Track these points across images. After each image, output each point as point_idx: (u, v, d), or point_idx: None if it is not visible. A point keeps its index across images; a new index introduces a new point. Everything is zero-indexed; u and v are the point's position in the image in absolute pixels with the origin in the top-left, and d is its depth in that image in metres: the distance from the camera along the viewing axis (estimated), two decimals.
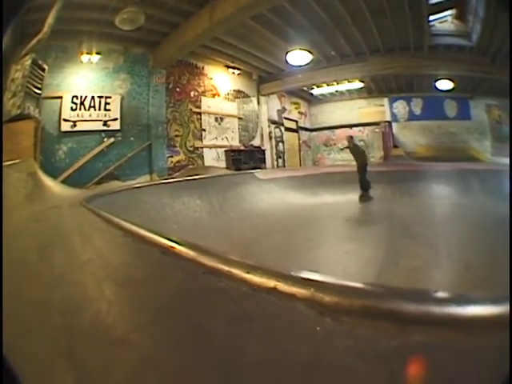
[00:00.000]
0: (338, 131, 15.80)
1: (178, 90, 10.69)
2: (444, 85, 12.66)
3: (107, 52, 8.97)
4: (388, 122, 14.66)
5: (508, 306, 0.82)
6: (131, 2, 7.51)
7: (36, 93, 6.92)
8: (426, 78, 12.66)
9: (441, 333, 0.80)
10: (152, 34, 9.19)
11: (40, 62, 6.96)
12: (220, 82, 12.06)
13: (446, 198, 7.64)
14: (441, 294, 0.96)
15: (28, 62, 6.49)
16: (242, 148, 12.43)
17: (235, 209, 6.13)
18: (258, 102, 13.57)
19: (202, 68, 11.54)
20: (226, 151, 11.63)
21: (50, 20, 6.64)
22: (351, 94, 15.18)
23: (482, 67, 10.78)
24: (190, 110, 10.98)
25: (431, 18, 9.86)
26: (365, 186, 8.35)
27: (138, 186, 6.05)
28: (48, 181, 5.15)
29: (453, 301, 0.90)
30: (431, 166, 9.78)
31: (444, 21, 10.84)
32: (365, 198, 8.27)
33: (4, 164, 4.60)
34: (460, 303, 0.86)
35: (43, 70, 7.14)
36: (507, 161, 10.83)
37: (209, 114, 11.57)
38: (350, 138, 9.13)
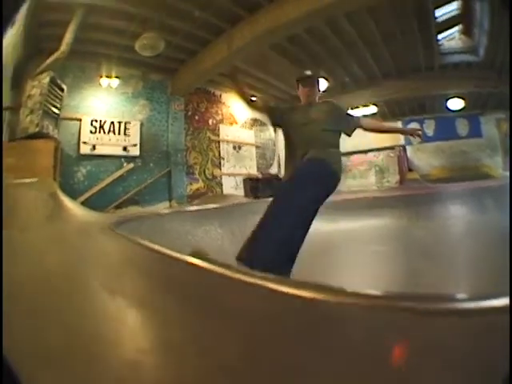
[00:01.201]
0: (352, 157, 15.30)
1: (196, 117, 10.58)
2: (455, 104, 12.47)
3: (127, 77, 8.91)
4: (402, 145, 14.27)
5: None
6: (150, 28, 7.41)
7: (55, 112, 6.72)
8: (437, 98, 12.40)
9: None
10: (170, 60, 9.13)
11: (59, 82, 6.79)
12: (237, 110, 11.97)
13: (462, 218, 7.45)
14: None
15: (46, 79, 6.24)
16: (260, 176, 12.07)
17: None
18: (275, 130, 13.22)
19: (220, 96, 11.47)
20: (244, 179, 11.29)
21: (67, 39, 6.53)
22: (367, 116, 14.87)
23: (490, 82, 10.69)
24: (209, 137, 10.85)
25: (440, 36, 9.77)
26: None
27: (161, 212, 5.85)
28: (69, 202, 4.91)
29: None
30: (446, 188, 9.38)
31: (452, 38, 10.73)
32: None
33: (18, 181, 4.39)
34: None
35: (62, 89, 6.95)
36: None
37: (227, 142, 11.46)
38: None
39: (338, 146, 2.94)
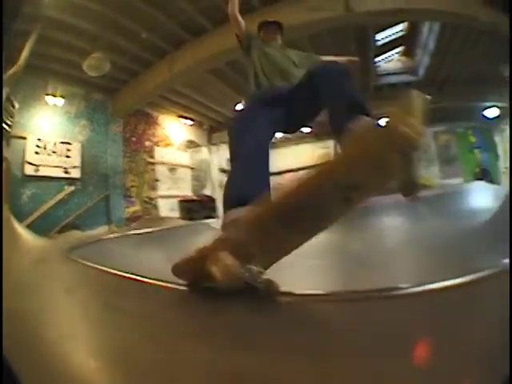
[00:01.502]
0: (286, 176, 16.67)
1: (133, 139, 11.35)
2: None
3: (71, 95, 9.47)
4: None
5: None
6: (98, 47, 8.19)
7: (7, 130, 7.09)
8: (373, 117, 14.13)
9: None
10: (113, 81, 9.90)
11: (12, 98, 7.21)
12: (173, 132, 12.97)
13: (397, 228, 8.27)
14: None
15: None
16: (195, 198, 13.18)
17: None
18: (209, 152, 14.65)
19: (157, 118, 12.35)
20: (179, 201, 12.26)
21: (25, 52, 7.04)
22: (299, 139, 16.70)
23: (430, 98, 12.22)
24: (145, 160, 11.61)
25: (377, 58, 11.43)
26: None
27: (106, 237, 6.15)
28: (21, 229, 5.27)
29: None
30: (381, 200, 10.60)
31: (390, 60, 12.58)
32: None
33: None
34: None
35: (13, 106, 7.40)
36: (455, 181, 13.47)
37: (162, 164, 12.27)
38: None
39: None
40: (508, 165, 15.86)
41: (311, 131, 15.36)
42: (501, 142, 16.63)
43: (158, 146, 12.31)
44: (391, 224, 8.70)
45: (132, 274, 1.97)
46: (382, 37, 11.27)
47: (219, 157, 15.00)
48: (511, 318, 0.90)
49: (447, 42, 10.27)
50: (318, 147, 16.52)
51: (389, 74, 12.43)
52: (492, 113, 15.01)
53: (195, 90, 11.16)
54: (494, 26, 8.59)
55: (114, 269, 2.12)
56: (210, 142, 14.84)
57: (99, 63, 8.48)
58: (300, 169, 16.42)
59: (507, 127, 15.69)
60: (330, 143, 15.98)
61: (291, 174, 16.55)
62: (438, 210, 9.38)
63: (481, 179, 14.32)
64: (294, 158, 16.90)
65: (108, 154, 10.32)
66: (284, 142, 16.68)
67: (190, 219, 11.16)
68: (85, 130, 9.80)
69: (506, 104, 13.47)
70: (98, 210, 9.80)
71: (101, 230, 9.33)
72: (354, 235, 8.58)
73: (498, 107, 14.55)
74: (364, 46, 10.00)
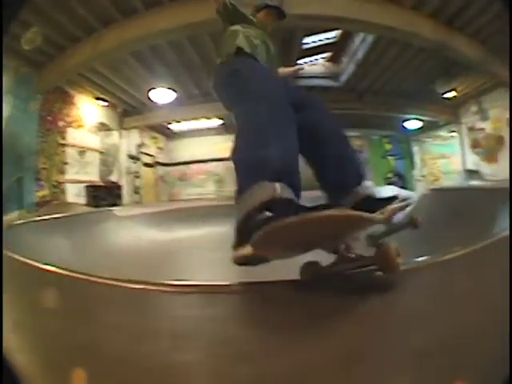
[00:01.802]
0: (192, 166, 18.73)
1: (49, 118, 11.52)
2: None
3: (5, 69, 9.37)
4: None
5: None
6: (34, 20, 8.50)
7: None
8: None
9: None
10: (41, 54, 10.06)
11: None
12: (87, 114, 13.32)
13: None
14: None
15: None
16: (101, 184, 13.67)
17: (96, 248, 6.63)
18: (120, 136, 15.25)
19: (73, 97, 12.66)
20: (86, 187, 12.68)
21: None
22: (209, 131, 17.89)
23: (348, 104, 14.11)
24: (57, 141, 11.81)
25: (301, 61, 12.66)
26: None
27: (14, 223, 6.47)
28: None
29: None
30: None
31: (314, 64, 14.02)
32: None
33: None
34: None
35: None
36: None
37: (73, 146, 12.55)
38: None
39: None
40: (424, 173, 18.12)
41: (223, 123, 16.60)
42: (419, 151, 19.29)
43: (71, 127, 12.57)
44: None
45: (40, 262, 2.26)
46: (311, 40, 12.59)
47: (129, 142, 15.80)
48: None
49: (378, 54, 11.68)
50: (229, 140, 17.47)
51: (309, 77, 13.56)
52: (412, 124, 17.27)
53: (115, 71, 11.78)
54: (439, 45, 9.95)
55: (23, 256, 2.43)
56: (122, 126, 15.41)
57: (34, 36, 8.83)
58: (209, 160, 17.78)
59: (428, 140, 17.98)
60: None
61: (199, 164, 17.59)
62: None
63: (392, 184, 16.14)
64: (204, 148, 18.41)
65: (25, 133, 10.40)
66: (194, 132, 18.07)
67: (96, 206, 11.62)
68: (8, 107, 9.76)
69: (428, 118, 15.80)
70: (13, 193, 9.85)
71: (13, 216, 9.19)
72: None
73: (419, 120, 16.70)
74: (289, 46, 10.89)
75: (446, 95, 14.18)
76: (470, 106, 15.68)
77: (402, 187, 16.02)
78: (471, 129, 16.20)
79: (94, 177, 13.56)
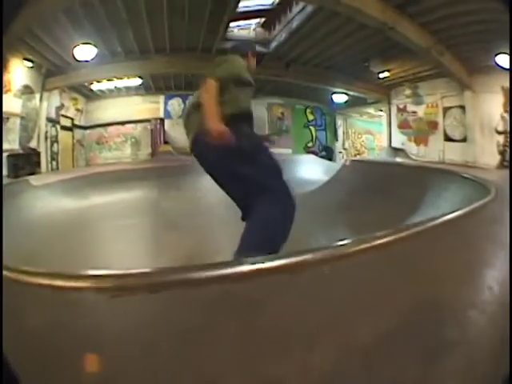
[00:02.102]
0: (110, 128, 17.83)
1: None
2: None
3: None
4: (161, 119, 17.39)
5: None
6: None
7: None
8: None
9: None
10: None
11: None
12: (14, 76, 12.20)
13: (214, 190, 8.81)
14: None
15: None
16: (20, 151, 12.67)
17: (14, 222, 6.09)
18: (41, 99, 14.06)
19: (8, 61, 11.55)
20: (7, 156, 11.66)
21: None
22: (129, 91, 17.21)
23: (274, 71, 14.00)
24: None
25: (233, 24, 12.42)
26: None
27: None
28: None
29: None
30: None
31: (245, 28, 13.73)
32: None
33: None
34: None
35: None
36: (281, 151, 15.04)
37: None
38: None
39: None
40: (347, 146, 18.34)
41: (141, 83, 16.05)
42: (343, 124, 19.92)
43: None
44: (206, 186, 9.24)
45: None
46: (246, 5, 12.25)
47: (49, 104, 14.61)
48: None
49: (314, 26, 11.43)
50: (148, 101, 17.49)
51: (237, 40, 12.98)
52: (339, 98, 17.44)
53: (44, 28, 10.77)
54: (384, 26, 9.88)
55: None
56: (44, 88, 14.20)
57: None
58: (126, 122, 17.02)
59: (355, 115, 18.05)
60: (161, 98, 17.33)
61: (117, 126, 16.82)
62: None
63: (311, 153, 16.18)
64: (122, 110, 17.62)
65: None
66: (113, 93, 17.22)
67: (16, 176, 10.87)
68: None
69: (357, 93, 16.29)
70: None
71: None
72: (169, 193, 9.22)
73: (347, 94, 16.88)
74: (221, 8, 10.49)
75: (379, 75, 14.42)
76: (405, 89, 15.90)
77: (323, 157, 16.59)
78: (401, 110, 16.54)
79: (14, 145, 12.50)
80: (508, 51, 9.19)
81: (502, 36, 8.17)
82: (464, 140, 13.50)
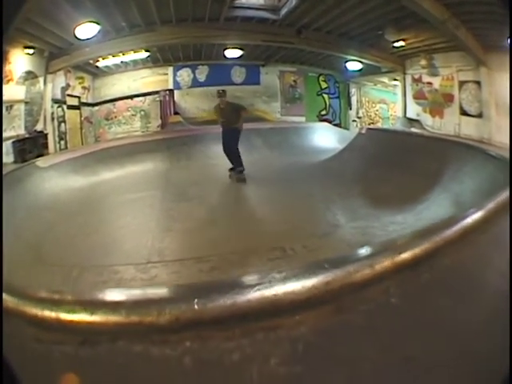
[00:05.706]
0: (118, 103, 17.37)
1: None
2: (232, 53, 15.62)
3: None
4: (170, 90, 16.99)
5: None
6: None
7: None
8: (215, 47, 15.28)
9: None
10: None
11: None
12: (16, 65, 12.03)
13: (224, 157, 8.92)
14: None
15: None
16: (27, 136, 12.54)
17: (21, 207, 6.32)
18: (45, 82, 13.84)
19: (8, 52, 11.41)
20: (13, 142, 11.62)
21: None
22: (136, 65, 16.77)
23: (285, 38, 13.77)
24: None
25: None
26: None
27: None
28: None
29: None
30: (210, 129, 11.35)
31: None
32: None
33: None
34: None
35: None
36: (294, 119, 16.08)
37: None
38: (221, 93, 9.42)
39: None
40: (361, 114, 17.93)
41: (148, 56, 15.71)
42: (357, 93, 19.24)
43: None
44: (218, 154, 9.10)
45: None
46: None
47: (54, 86, 14.36)
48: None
49: None
50: (156, 74, 17.08)
51: (247, 8, 13.01)
52: (353, 66, 16.79)
53: (44, 14, 10.55)
54: None
55: None
56: (48, 71, 13.92)
57: None
58: (134, 96, 16.83)
59: (369, 83, 17.51)
60: (169, 70, 16.92)
61: (125, 101, 16.53)
62: (274, 143, 10.40)
63: (324, 121, 15.82)
64: (130, 84, 17.25)
65: None
66: (121, 68, 16.82)
67: (24, 161, 10.75)
68: None
69: (371, 62, 15.94)
70: None
71: None
72: (180, 163, 9.08)
73: (361, 62, 16.33)
74: None
75: (394, 44, 13.94)
76: (420, 59, 15.20)
77: (336, 125, 16.80)
78: (416, 80, 15.93)
79: (20, 131, 12.39)
80: None
81: None
82: (480, 116, 12.98)
